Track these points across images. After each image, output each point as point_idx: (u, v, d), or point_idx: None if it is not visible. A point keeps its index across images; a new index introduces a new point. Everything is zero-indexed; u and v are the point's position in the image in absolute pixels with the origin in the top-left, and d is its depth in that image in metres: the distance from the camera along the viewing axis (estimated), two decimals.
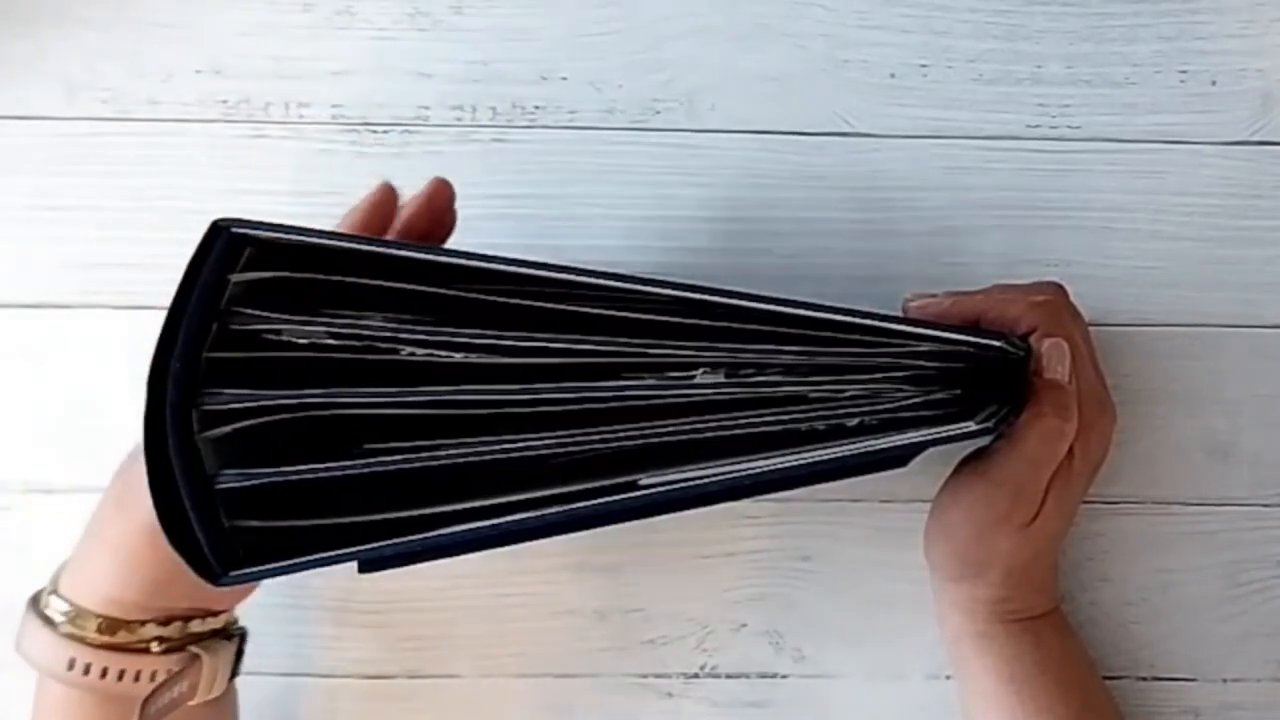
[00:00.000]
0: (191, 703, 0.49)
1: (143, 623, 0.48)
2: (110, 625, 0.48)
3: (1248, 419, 0.59)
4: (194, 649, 0.49)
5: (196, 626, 0.50)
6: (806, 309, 0.46)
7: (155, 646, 0.48)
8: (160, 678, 0.48)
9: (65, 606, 0.48)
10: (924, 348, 0.48)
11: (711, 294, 0.46)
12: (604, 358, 0.46)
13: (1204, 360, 0.59)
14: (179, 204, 0.58)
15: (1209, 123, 0.60)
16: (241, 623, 0.53)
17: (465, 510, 0.46)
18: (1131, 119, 0.60)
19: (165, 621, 0.49)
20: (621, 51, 0.60)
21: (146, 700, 0.47)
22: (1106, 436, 0.53)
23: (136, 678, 0.48)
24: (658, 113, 0.60)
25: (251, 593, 0.52)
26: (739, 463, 0.46)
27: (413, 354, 0.46)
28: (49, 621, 0.48)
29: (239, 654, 0.52)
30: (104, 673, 0.47)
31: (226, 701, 0.53)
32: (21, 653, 0.48)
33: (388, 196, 0.52)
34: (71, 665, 0.47)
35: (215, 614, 0.51)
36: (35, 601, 0.49)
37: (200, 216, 0.46)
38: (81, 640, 0.47)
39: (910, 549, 0.56)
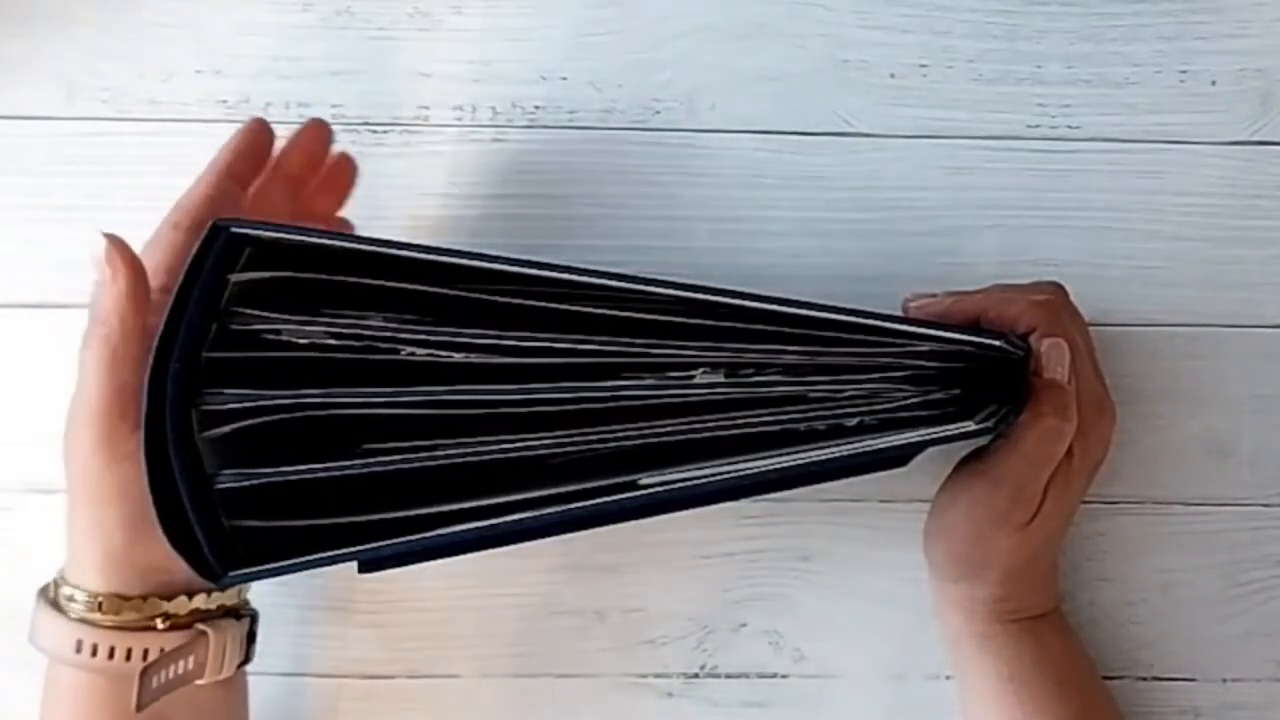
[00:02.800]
0: (200, 681, 0.49)
1: (144, 598, 0.48)
2: (112, 603, 0.47)
3: (1248, 419, 0.59)
4: (201, 626, 0.49)
5: (202, 602, 0.49)
6: (807, 309, 0.46)
7: (160, 623, 0.48)
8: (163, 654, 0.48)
9: (69, 591, 0.48)
10: (924, 347, 0.48)
11: (713, 294, 0.46)
12: (606, 358, 0.46)
13: (1204, 360, 0.59)
14: None
15: (1209, 123, 0.60)
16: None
17: (464, 510, 0.46)
18: (1131, 119, 0.60)
19: (168, 596, 0.48)
20: (621, 51, 0.60)
21: (146, 670, 0.46)
22: (1106, 436, 0.53)
23: (145, 655, 0.47)
24: (658, 113, 0.59)
25: None
26: (738, 462, 0.47)
27: (413, 354, 0.46)
28: (57, 607, 0.48)
29: (251, 636, 0.52)
30: (111, 652, 0.47)
31: (236, 687, 0.52)
32: (34, 643, 0.48)
33: (260, 137, 0.53)
34: (79, 647, 0.47)
35: (222, 589, 0.50)
36: (44, 591, 0.49)
37: None
38: (88, 622, 0.47)
39: (910, 549, 0.56)
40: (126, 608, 0.47)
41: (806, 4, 0.60)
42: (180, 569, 0.48)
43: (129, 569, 0.48)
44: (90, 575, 0.48)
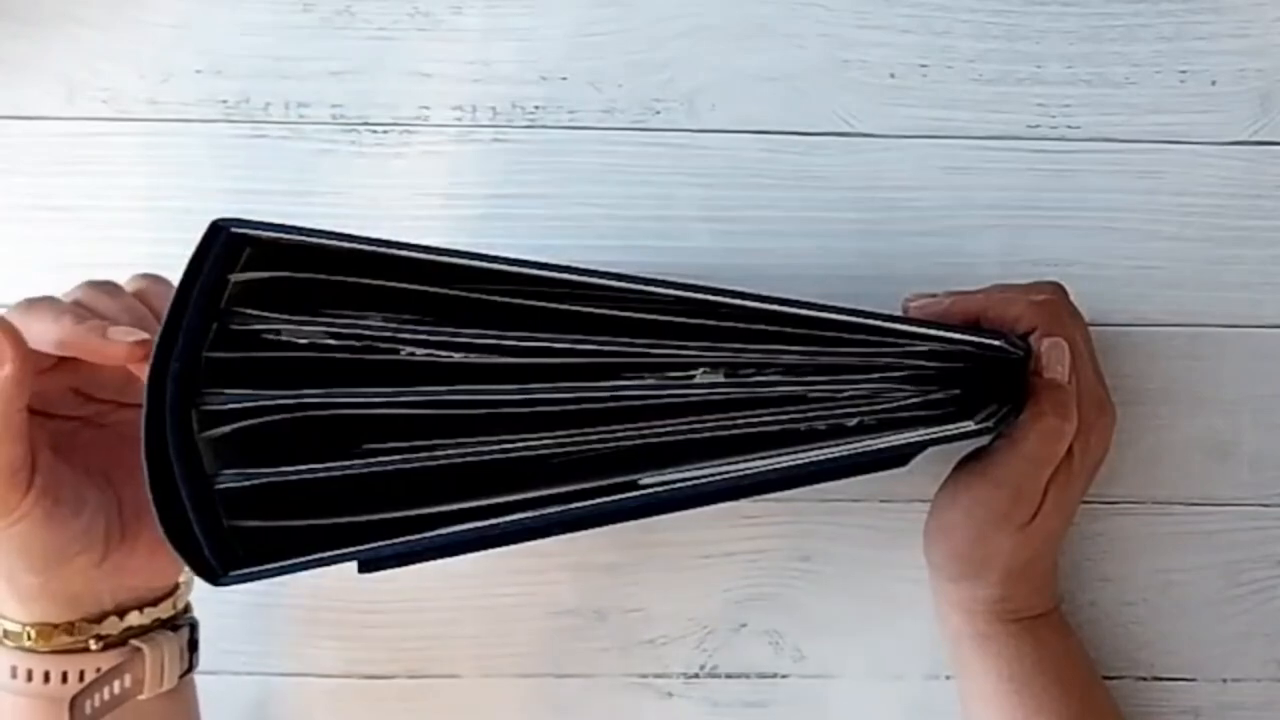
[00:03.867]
0: (141, 697, 0.49)
1: (72, 624, 0.47)
2: (43, 631, 0.47)
3: (1248, 419, 0.59)
4: (135, 643, 0.49)
5: (135, 619, 0.49)
6: (808, 309, 0.46)
7: (94, 644, 0.48)
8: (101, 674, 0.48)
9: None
10: (924, 347, 0.48)
11: (714, 294, 0.46)
12: (606, 358, 0.46)
13: (1204, 360, 0.59)
14: (179, 204, 0.58)
15: (1209, 123, 0.60)
16: (236, 622, 0.53)
17: (464, 510, 0.46)
18: (1131, 119, 0.60)
19: (98, 619, 0.48)
20: (621, 51, 0.60)
21: (76, 697, 0.46)
22: (1106, 436, 0.53)
23: (81, 677, 0.47)
24: (658, 113, 0.59)
25: (168, 576, 0.51)
26: (738, 462, 0.47)
27: (413, 354, 0.46)
28: None
29: (193, 645, 0.52)
30: (46, 676, 0.47)
31: (182, 697, 0.52)
32: None
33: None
34: (14, 673, 0.47)
35: (154, 603, 0.50)
36: None
37: (200, 216, 0.46)
38: (20, 648, 0.47)
39: (910, 549, 0.56)
40: (57, 633, 0.47)
41: (806, 4, 0.60)
42: (106, 591, 0.48)
43: (49, 601, 0.47)
44: (13, 607, 0.47)
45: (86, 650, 0.48)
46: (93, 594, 0.48)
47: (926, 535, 0.55)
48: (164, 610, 0.50)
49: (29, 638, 0.47)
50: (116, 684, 0.48)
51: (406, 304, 0.47)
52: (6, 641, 0.47)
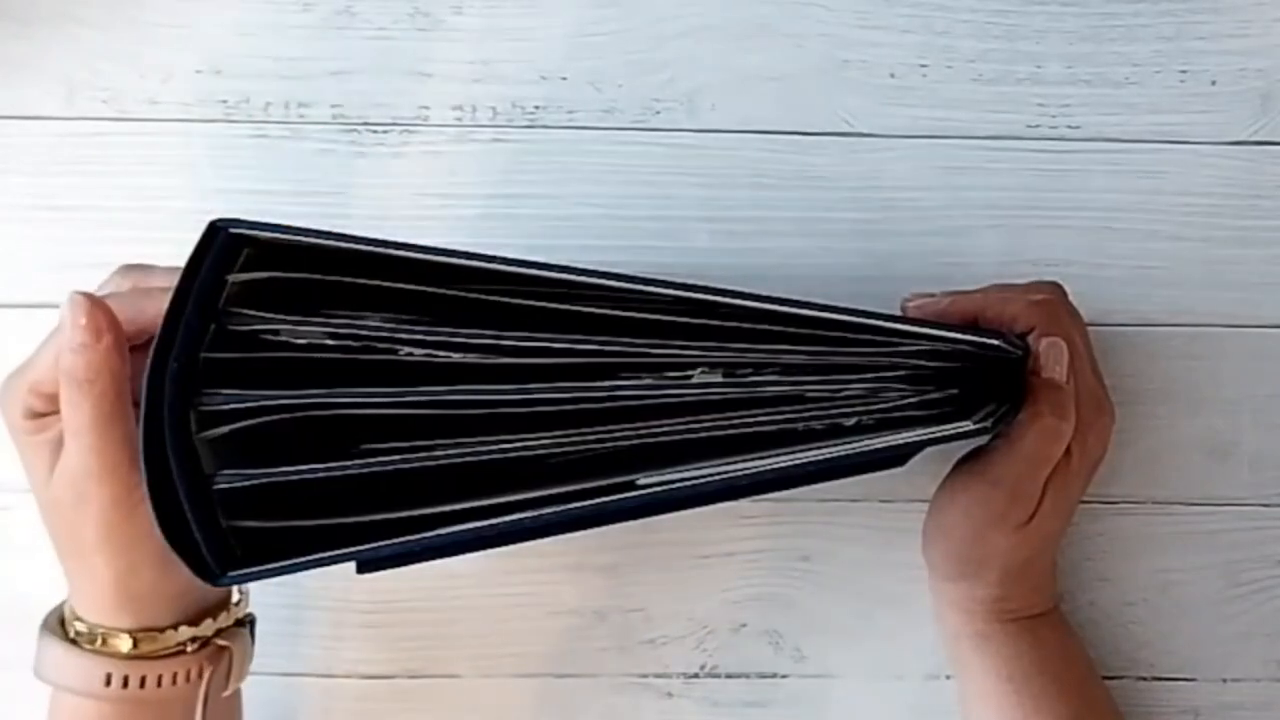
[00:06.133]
0: (225, 694, 0.49)
1: (175, 626, 0.48)
2: (148, 636, 0.47)
3: (1248, 419, 0.59)
4: (221, 642, 0.49)
5: (222, 619, 0.50)
6: (806, 308, 0.46)
7: (190, 647, 0.48)
8: (194, 676, 0.48)
9: (92, 631, 0.47)
10: (923, 347, 0.48)
11: (712, 294, 0.46)
12: (604, 358, 0.46)
13: (1204, 360, 0.59)
14: (179, 204, 0.58)
15: (1209, 123, 0.60)
16: None
17: (463, 510, 0.46)
18: (1131, 119, 0.60)
19: (196, 620, 0.48)
20: (621, 51, 0.60)
21: (209, 688, 0.47)
22: (1104, 436, 0.53)
23: (174, 680, 0.47)
24: (658, 113, 0.59)
25: None
26: (736, 462, 0.46)
27: (411, 354, 0.46)
28: (74, 641, 0.47)
29: (251, 640, 0.52)
30: (143, 682, 0.47)
31: (237, 692, 0.53)
32: (45, 678, 0.47)
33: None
34: (108, 681, 0.47)
35: (236, 603, 0.51)
36: (52, 624, 0.48)
37: (200, 216, 0.46)
38: (113, 655, 0.47)
39: (910, 549, 0.56)
40: (161, 637, 0.48)
41: (806, 4, 0.60)
42: (199, 590, 0.48)
43: (160, 600, 0.48)
44: (119, 616, 0.47)
45: (182, 652, 0.48)
46: (193, 592, 0.48)
47: (925, 535, 0.55)
48: (242, 609, 0.51)
49: (134, 644, 0.47)
50: (219, 681, 0.49)
51: (405, 304, 0.47)
52: (98, 649, 0.47)
